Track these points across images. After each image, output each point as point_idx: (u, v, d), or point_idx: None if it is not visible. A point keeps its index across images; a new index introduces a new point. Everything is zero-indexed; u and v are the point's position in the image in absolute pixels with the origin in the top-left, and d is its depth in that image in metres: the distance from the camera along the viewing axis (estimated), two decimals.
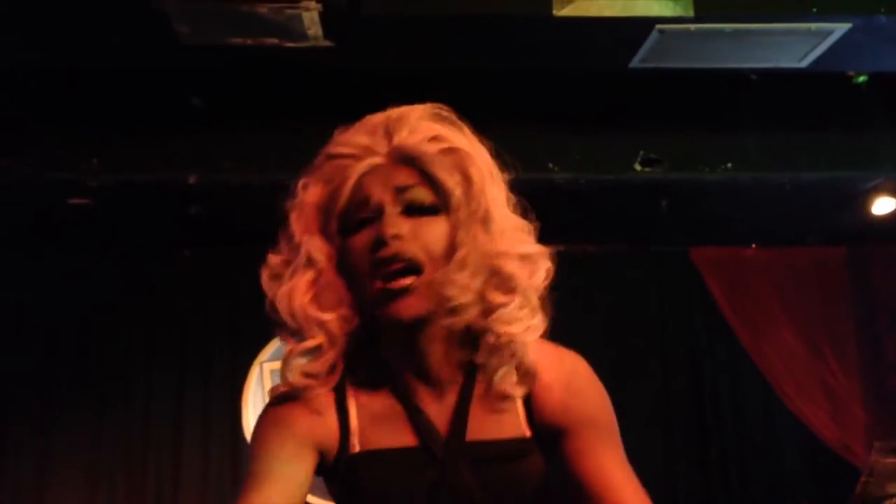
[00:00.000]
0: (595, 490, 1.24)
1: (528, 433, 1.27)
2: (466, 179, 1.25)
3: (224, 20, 3.32)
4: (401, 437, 1.25)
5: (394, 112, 1.30)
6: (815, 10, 3.38)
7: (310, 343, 1.24)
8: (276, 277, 1.28)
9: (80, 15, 3.34)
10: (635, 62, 3.71)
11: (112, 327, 5.10)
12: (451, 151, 1.26)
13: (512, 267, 1.24)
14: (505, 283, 1.23)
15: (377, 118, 1.31)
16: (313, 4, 3.22)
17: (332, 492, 1.33)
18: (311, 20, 3.31)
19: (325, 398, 1.27)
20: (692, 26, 3.39)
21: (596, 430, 1.28)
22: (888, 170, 4.51)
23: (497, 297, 1.23)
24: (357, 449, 1.26)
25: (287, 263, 1.28)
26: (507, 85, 4.02)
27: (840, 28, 3.43)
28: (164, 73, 3.98)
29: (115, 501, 4.99)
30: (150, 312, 5.09)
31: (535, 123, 4.23)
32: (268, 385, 5.23)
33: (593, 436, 1.27)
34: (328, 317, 1.24)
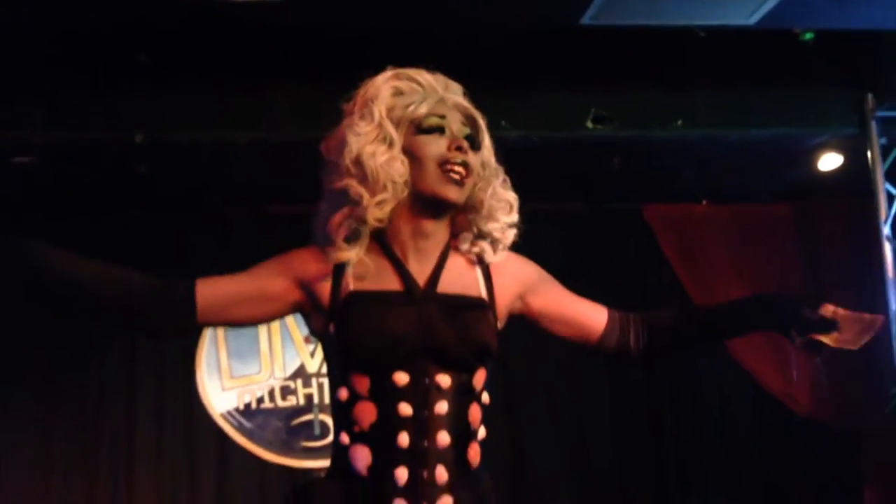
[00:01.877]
0: (569, 314, 1.88)
1: (484, 296, 1.77)
2: (485, 135, 1.81)
3: None
4: (388, 284, 1.71)
5: (439, 76, 1.80)
6: None
7: (382, 195, 1.68)
8: (360, 137, 1.71)
9: None
10: (586, 19, 3.71)
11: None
12: (480, 117, 1.81)
13: (500, 202, 1.81)
14: (502, 207, 1.81)
15: (430, 74, 1.79)
16: None
17: (318, 325, 1.76)
18: None
19: (325, 252, 1.73)
20: None
21: (547, 282, 1.89)
22: (835, 126, 4.58)
23: (503, 213, 1.81)
24: (351, 289, 1.70)
25: (369, 132, 1.70)
26: (458, 42, 3.99)
27: None
28: (111, 30, 3.89)
29: (69, 462, 4.96)
30: None
31: (486, 81, 4.21)
32: (221, 344, 5.21)
33: (546, 286, 1.89)
34: (398, 180, 1.69)
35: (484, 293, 1.78)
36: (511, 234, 1.82)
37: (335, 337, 1.71)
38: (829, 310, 1.90)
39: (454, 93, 1.79)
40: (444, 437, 1.67)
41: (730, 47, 4.16)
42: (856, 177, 4.70)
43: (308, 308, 1.78)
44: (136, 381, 5.09)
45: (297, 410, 5.22)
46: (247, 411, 5.19)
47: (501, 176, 1.83)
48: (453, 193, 1.71)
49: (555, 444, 5.16)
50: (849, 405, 5.05)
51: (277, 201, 5.08)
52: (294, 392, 5.25)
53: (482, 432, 1.75)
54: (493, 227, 1.79)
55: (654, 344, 1.90)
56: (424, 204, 1.73)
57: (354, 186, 1.69)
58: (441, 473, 1.66)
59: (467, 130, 1.76)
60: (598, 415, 5.20)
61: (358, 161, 1.69)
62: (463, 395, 1.71)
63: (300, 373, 5.27)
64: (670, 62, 4.23)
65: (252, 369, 5.23)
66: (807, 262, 5.29)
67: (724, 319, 1.95)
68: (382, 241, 1.74)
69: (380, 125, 1.71)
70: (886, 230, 4.58)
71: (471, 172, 1.73)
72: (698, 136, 4.51)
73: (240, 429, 5.16)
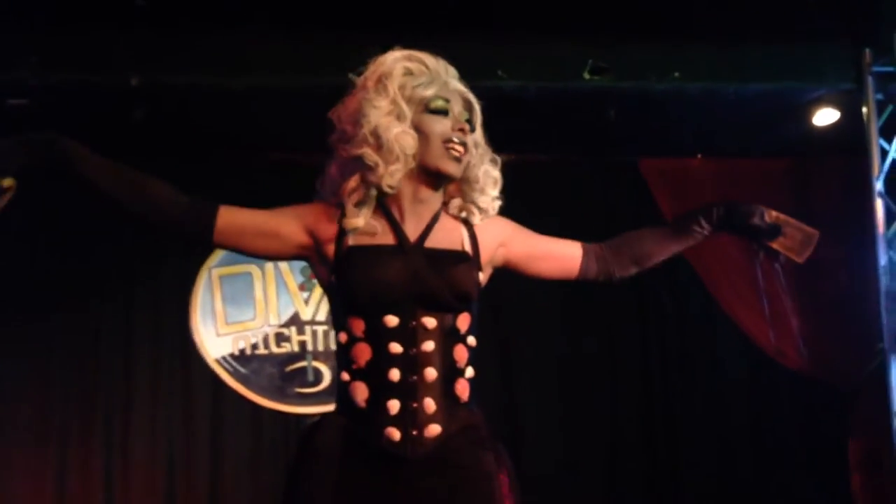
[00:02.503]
0: (547, 251, 2.13)
1: (469, 251, 2.00)
2: (478, 121, 2.02)
3: None
4: (383, 240, 1.94)
5: (441, 60, 1.99)
6: None
7: (395, 165, 1.89)
8: (378, 111, 1.90)
9: None
10: None
11: (56, 238, 5.03)
12: (473, 104, 2.02)
13: (489, 177, 2.05)
14: (491, 182, 2.05)
15: (435, 57, 1.98)
16: None
17: (323, 276, 1.98)
18: None
19: (338, 212, 1.95)
20: None
21: (522, 230, 2.12)
22: (832, 81, 4.58)
23: (479, 188, 2.04)
24: (350, 244, 1.93)
25: (386, 108, 1.90)
26: None
27: None
28: None
29: (65, 409, 5.01)
30: (94, 221, 4.96)
31: (484, 31, 4.20)
32: (216, 291, 5.24)
33: (523, 233, 2.12)
34: (409, 152, 1.90)
35: (469, 248, 2.00)
36: (496, 205, 2.06)
37: (336, 286, 1.93)
38: (772, 215, 2.18)
39: (454, 77, 1.99)
40: (430, 373, 1.89)
41: (729, 0, 4.14)
42: (851, 133, 4.71)
43: (314, 258, 1.99)
44: (132, 327, 5.12)
45: (292, 357, 5.27)
46: (241, 357, 5.23)
47: (490, 155, 2.06)
48: (453, 168, 1.94)
49: (548, 395, 5.22)
50: (836, 361, 5.11)
51: (274, 147, 5.08)
52: (288, 339, 5.29)
53: (470, 371, 1.97)
54: (482, 198, 2.03)
55: (631, 263, 2.18)
56: (427, 174, 1.95)
57: (371, 155, 1.89)
58: (429, 404, 1.88)
59: (466, 114, 1.97)
60: (591, 366, 5.25)
61: (375, 132, 1.89)
62: (448, 335, 1.92)
63: (294, 320, 5.30)
64: (670, 14, 4.21)
65: (247, 316, 5.27)
66: (800, 216, 5.29)
67: (685, 222, 2.22)
68: (382, 203, 1.96)
69: (394, 101, 1.91)
70: (879, 186, 4.60)
71: (468, 151, 1.96)
72: (696, 89, 4.51)
73: (234, 374, 5.21)
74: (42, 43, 4.01)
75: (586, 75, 4.34)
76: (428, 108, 1.93)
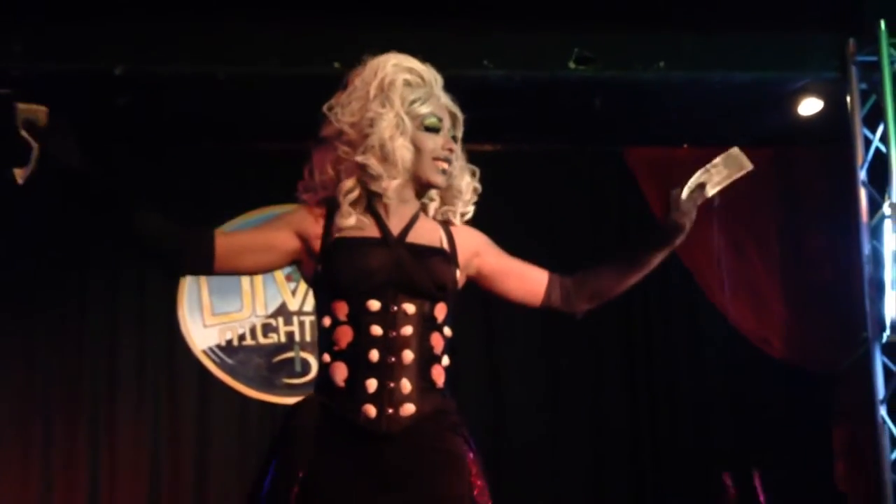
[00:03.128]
0: (516, 271, 2.22)
1: (446, 248, 2.12)
2: (460, 130, 2.15)
3: None
4: (368, 233, 2.06)
5: (431, 69, 2.11)
6: None
7: (394, 178, 2.03)
8: (386, 124, 2.01)
9: None
10: None
11: (40, 228, 5.00)
12: (458, 117, 2.15)
13: (467, 182, 2.19)
14: (469, 190, 2.19)
15: (425, 66, 2.10)
16: None
17: (308, 268, 2.08)
18: None
19: (322, 210, 2.08)
20: None
21: (495, 246, 2.22)
22: (816, 70, 4.60)
23: (458, 194, 2.18)
24: (337, 236, 2.04)
25: (392, 122, 2.02)
26: None
27: None
28: None
29: (51, 399, 5.00)
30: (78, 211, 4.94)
31: (469, 21, 4.20)
32: (203, 282, 5.23)
33: (495, 249, 2.21)
34: (408, 165, 2.05)
35: (447, 247, 2.13)
36: (471, 210, 2.20)
37: (322, 274, 2.04)
38: (679, 194, 2.24)
39: (441, 88, 2.12)
40: (408, 355, 2.00)
41: None
42: (835, 122, 4.74)
43: (303, 256, 2.08)
44: (118, 317, 5.11)
45: (279, 347, 5.26)
46: (228, 348, 5.22)
47: (469, 167, 2.19)
48: (441, 181, 2.10)
49: (532, 383, 5.24)
50: (821, 349, 5.14)
51: (258, 136, 5.07)
52: (275, 329, 5.28)
53: (446, 360, 2.08)
54: (460, 202, 2.17)
55: (588, 298, 2.27)
56: (417, 183, 2.10)
57: (375, 166, 2.03)
58: (405, 385, 1.99)
59: (453, 130, 2.12)
60: (575, 354, 5.27)
61: (382, 144, 2.02)
62: (426, 322, 2.04)
63: (282, 310, 5.30)
64: (654, 3, 4.22)
65: (234, 306, 5.26)
66: (785, 206, 5.34)
67: (638, 253, 2.27)
68: (370, 201, 2.08)
69: (398, 115, 2.04)
70: (862, 175, 4.63)
71: (452, 164, 2.11)
72: (681, 78, 4.52)
73: (221, 365, 5.20)
74: (25, 32, 3.99)
75: (571, 65, 4.35)
76: (423, 126, 2.07)
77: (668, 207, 2.21)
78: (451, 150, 2.09)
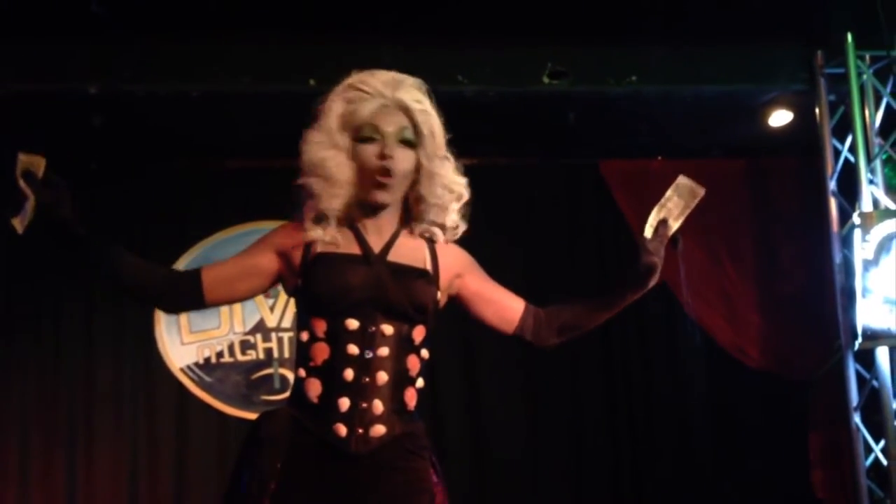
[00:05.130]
0: (496, 298, 2.19)
1: (429, 269, 2.08)
2: (432, 132, 2.06)
3: None
4: (349, 249, 2.04)
5: (397, 75, 2.05)
6: None
7: (333, 191, 2.01)
8: (314, 147, 2.03)
9: None
10: None
11: (15, 246, 4.96)
12: (426, 113, 2.05)
13: (458, 187, 2.10)
14: (454, 194, 2.10)
15: (388, 74, 2.05)
16: None
17: (290, 283, 2.08)
18: None
19: (302, 224, 2.05)
20: None
21: (479, 269, 2.20)
22: (785, 82, 4.67)
23: (450, 200, 2.10)
24: (318, 251, 2.03)
25: (322, 141, 2.02)
26: None
27: None
28: None
29: (27, 417, 4.95)
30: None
31: (443, 37, 4.22)
32: None
33: (479, 272, 2.19)
34: (346, 180, 2.01)
35: (429, 267, 2.09)
36: (457, 219, 2.12)
37: (302, 289, 2.03)
38: (646, 240, 2.27)
39: (405, 92, 2.03)
40: (382, 376, 1.99)
41: (684, 4, 4.20)
42: (805, 133, 4.80)
43: (285, 273, 2.08)
44: (95, 335, 5.07)
45: (257, 364, 5.25)
46: (206, 365, 5.20)
47: (449, 164, 2.09)
48: (380, 197, 2.03)
49: (510, 393, 5.25)
50: (796, 357, 5.19)
51: (232, 155, 5.07)
52: (254, 346, 5.27)
53: (420, 382, 2.06)
54: (440, 216, 2.10)
55: (558, 333, 2.23)
56: (370, 201, 2.05)
57: (313, 184, 2.02)
58: (378, 406, 1.98)
59: (406, 133, 2.03)
60: (553, 366, 5.28)
61: (313, 163, 2.02)
62: (403, 343, 2.02)
63: (260, 327, 5.28)
64: (626, 18, 4.26)
65: (211, 324, 5.24)
66: (757, 216, 5.40)
67: (604, 295, 2.29)
68: (348, 216, 2.06)
69: (330, 132, 2.02)
70: (832, 185, 4.69)
71: (395, 175, 2.02)
72: (652, 91, 4.57)
73: (199, 383, 5.18)
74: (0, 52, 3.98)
75: (545, 79, 4.39)
76: (358, 137, 2.02)
77: (638, 252, 2.21)
78: (386, 159, 2.00)
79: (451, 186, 2.09)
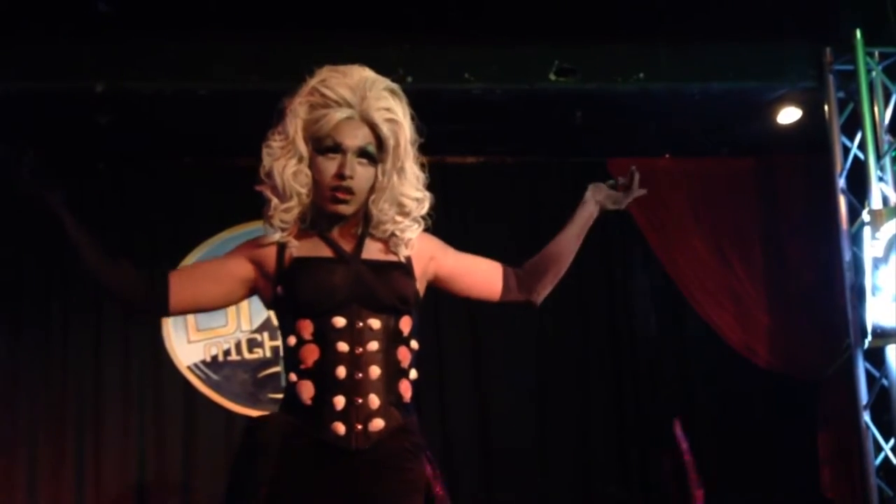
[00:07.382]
0: (473, 268, 2.22)
1: (403, 261, 2.08)
2: (397, 144, 2.03)
3: None
4: (322, 252, 2.05)
5: (369, 77, 2.02)
6: None
7: (288, 203, 2.01)
8: (273, 153, 2.03)
9: None
10: None
11: (23, 244, 4.98)
12: (394, 122, 2.02)
13: (409, 202, 2.07)
14: (402, 210, 2.07)
15: (357, 77, 2.01)
16: None
17: (268, 294, 2.07)
18: None
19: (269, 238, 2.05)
20: None
21: (448, 248, 2.20)
22: (793, 80, 4.65)
23: (397, 215, 2.08)
24: (294, 255, 2.03)
25: (282, 148, 2.01)
26: None
27: None
28: None
29: (36, 416, 4.96)
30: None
31: (450, 35, 4.22)
32: None
33: (449, 250, 2.20)
34: (302, 190, 2.02)
35: (402, 259, 2.10)
36: (416, 230, 2.10)
37: (284, 295, 2.03)
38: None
39: (373, 100, 2.00)
40: (374, 371, 2.00)
41: (691, 1, 4.19)
42: (814, 131, 4.78)
43: (260, 282, 2.08)
44: (103, 334, 5.08)
45: (264, 363, 5.25)
46: (213, 364, 5.21)
47: (408, 176, 2.06)
48: (339, 209, 2.03)
49: (518, 383, 5.24)
50: (805, 356, 5.17)
51: (239, 153, 5.06)
52: (260, 344, 5.27)
53: (413, 373, 2.07)
54: (395, 228, 2.08)
55: (542, 276, 2.29)
56: (330, 214, 2.05)
57: (267, 193, 2.04)
58: (373, 400, 1.99)
59: (367, 145, 2.01)
60: (561, 363, 5.28)
61: (270, 174, 2.03)
62: (392, 336, 2.03)
63: (266, 325, 5.29)
64: (633, 16, 4.25)
65: (218, 322, 5.24)
66: (766, 214, 5.38)
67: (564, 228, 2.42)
68: (315, 222, 2.07)
69: (292, 142, 2.01)
70: (841, 183, 4.67)
71: (354, 191, 2.01)
72: (660, 89, 4.56)
73: (206, 381, 5.18)
74: (4, 50, 3.98)
75: (552, 77, 4.38)
76: (318, 149, 2.01)
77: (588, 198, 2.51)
78: (344, 179, 1.99)
79: (402, 202, 2.06)
